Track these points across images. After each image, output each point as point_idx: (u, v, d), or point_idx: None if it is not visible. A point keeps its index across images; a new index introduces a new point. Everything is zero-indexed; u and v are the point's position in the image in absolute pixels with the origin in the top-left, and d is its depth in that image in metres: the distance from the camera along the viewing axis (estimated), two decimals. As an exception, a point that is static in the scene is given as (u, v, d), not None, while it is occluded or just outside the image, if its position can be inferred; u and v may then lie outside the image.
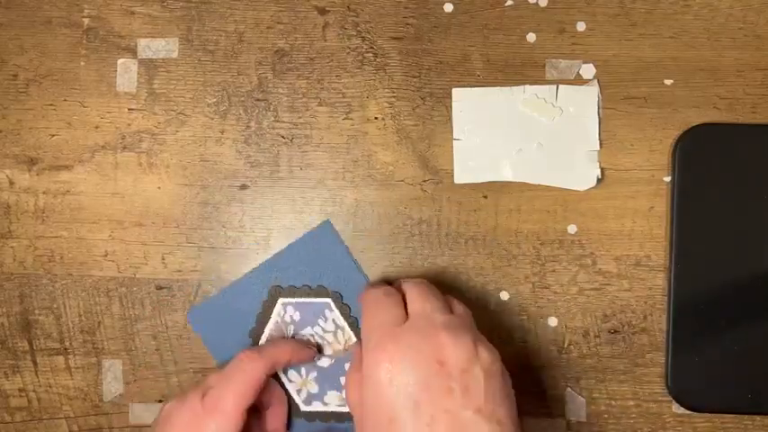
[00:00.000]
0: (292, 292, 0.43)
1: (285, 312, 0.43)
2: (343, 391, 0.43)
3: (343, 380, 0.43)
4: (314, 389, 0.43)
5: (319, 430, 0.43)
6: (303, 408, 0.43)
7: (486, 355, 0.35)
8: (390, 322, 0.35)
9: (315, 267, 0.44)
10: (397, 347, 0.34)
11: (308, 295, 0.43)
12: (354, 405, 0.37)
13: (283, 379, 0.43)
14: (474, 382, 0.33)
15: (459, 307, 0.38)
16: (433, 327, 0.35)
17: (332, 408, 0.43)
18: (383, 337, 0.35)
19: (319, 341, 0.43)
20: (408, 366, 0.33)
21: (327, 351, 0.43)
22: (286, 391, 0.43)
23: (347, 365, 0.43)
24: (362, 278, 0.44)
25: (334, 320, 0.43)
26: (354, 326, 0.43)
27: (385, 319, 0.36)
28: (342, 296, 0.43)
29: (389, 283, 0.42)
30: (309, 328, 0.43)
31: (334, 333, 0.43)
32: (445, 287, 0.43)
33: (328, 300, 0.43)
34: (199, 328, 0.44)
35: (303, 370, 0.43)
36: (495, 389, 0.34)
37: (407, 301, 0.37)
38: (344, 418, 0.43)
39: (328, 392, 0.43)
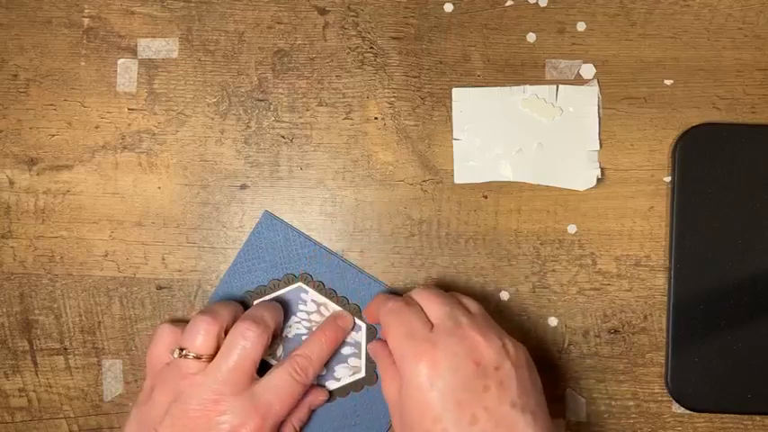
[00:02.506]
0: (263, 291, 0.44)
1: None
2: (350, 360, 0.43)
3: (345, 350, 0.43)
4: (322, 370, 0.43)
5: (339, 411, 0.43)
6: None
7: (513, 349, 0.37)
8: (420, 329, 0.37)
9: (274, 259, 0.44)
10: (435, 352, 0.36)
11: (279, 287, 0.43)
12: (392, 399, 0.38)
13: None
14: (506, 378, 0.36)
15: (472, 304, 0.39)
16: (462, 328, 0.37)
17: (345, 380, 0.43)
18: (419, 343, 0.36)
19: (307, 325, 0.43)
20: (448, 370, 0.35)
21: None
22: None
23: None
24: (321, 251, 0.44)
25: (313, 300, 0.43)
26: (333, 297, 0.43)
27: (414, 327, 0.37)
28: (311, 275, 0.43)
29: (397, 294, 0.42)
30: (294, 316, 0.43)
31: (318, 312, 0.43)
32: (445, 287, 0.43)
33: (299, 284, 0.43)
34: None
35: None
36: (525, 381, 0.36)
37: (425, 309, 0.38)
38: (360, 386, 0.43)
39: (335, 368, 0.43)
